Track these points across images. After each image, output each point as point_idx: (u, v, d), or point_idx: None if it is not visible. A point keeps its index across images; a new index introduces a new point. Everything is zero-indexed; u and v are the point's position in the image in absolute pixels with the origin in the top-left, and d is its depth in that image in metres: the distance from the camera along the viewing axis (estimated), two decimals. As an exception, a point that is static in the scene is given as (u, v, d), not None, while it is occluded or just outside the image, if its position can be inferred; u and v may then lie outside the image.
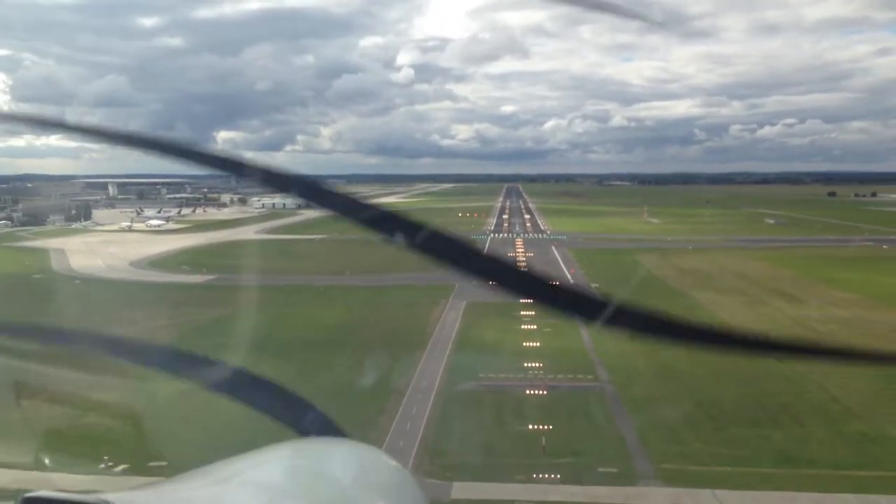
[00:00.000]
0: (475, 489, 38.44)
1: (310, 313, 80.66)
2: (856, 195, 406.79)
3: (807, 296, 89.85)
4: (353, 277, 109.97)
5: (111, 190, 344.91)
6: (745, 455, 42.00)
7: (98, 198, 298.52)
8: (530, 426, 46.62)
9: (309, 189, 3.18)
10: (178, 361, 4.56)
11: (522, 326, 73.32)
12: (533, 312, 79.54)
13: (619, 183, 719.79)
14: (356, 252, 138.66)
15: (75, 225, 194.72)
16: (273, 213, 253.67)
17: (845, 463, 41.17)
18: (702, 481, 38.81)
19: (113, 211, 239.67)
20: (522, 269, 3.12)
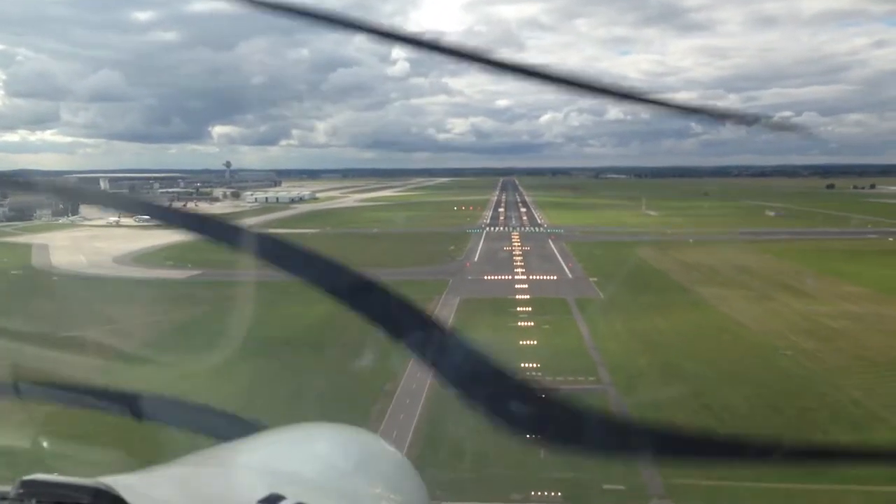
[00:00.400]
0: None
1: (294, 311, 76.49)
2: (854, 187, 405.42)
3: (815, 290, 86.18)
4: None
5: (103, 184, 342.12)
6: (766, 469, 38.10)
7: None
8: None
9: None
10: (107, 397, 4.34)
11: (519, 323, 69.62)
12: (530, 309, 76.23)
13: (615, 176, 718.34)
14: (350, 246, 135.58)
15: (62, 220, 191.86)
16: (266, 208, 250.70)
17: (877, 477, 37.37)
18: (717, 499, 34.92)
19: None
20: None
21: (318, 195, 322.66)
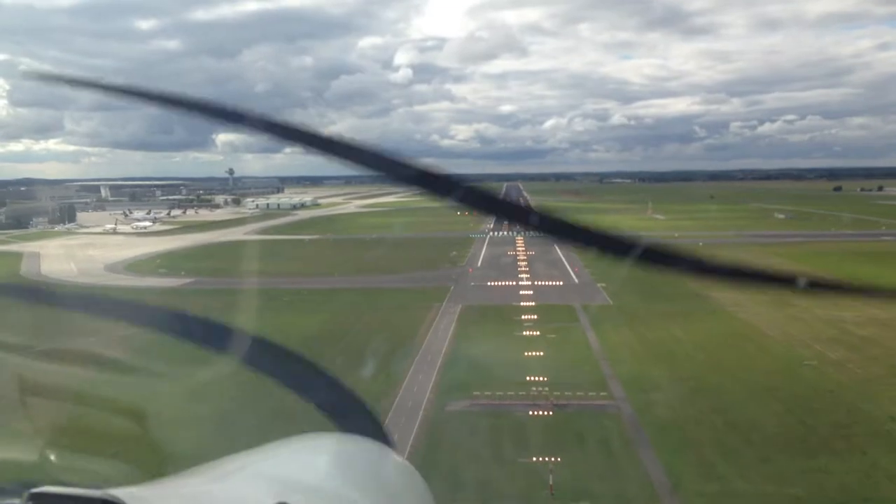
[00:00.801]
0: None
1: (286, 320, 72.54)
2: (862, 189, 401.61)
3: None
4: (342, 279, 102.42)
5: (103, 192, 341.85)
6: (802, 496, 33.94)
7: (87, 200, 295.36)
8: (534, 458, 38.60)
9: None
10: (202, 330, 4.25)
11: (524, 333, 65.54)
12: (535, 317, 72.17)
13: (619, 180, 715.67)
14: (348, 252, 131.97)
15: (58, 227, 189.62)
16: (266, 214, 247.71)
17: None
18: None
19: (102, 213, 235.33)
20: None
21: (320, 201, 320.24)
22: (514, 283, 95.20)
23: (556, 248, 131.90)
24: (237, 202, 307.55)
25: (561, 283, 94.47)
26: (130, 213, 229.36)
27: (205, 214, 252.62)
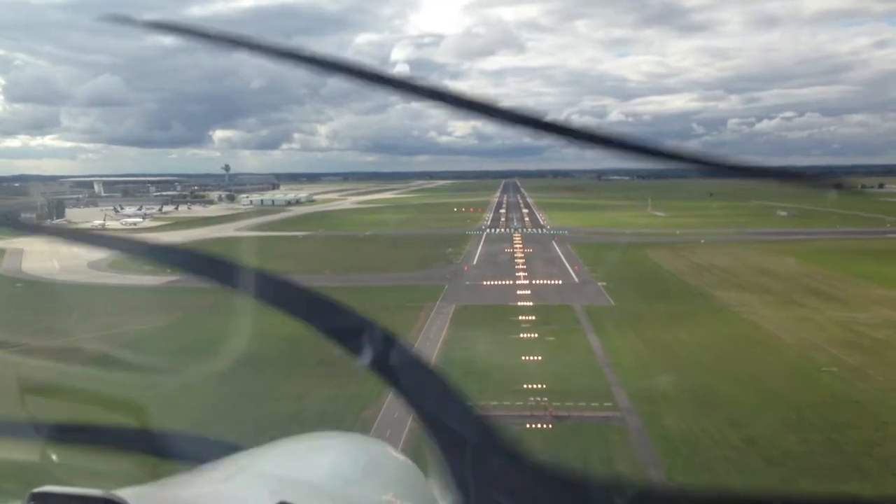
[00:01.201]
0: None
1: (271, 320, 68.62)
2: (862, 186, 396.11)
3: (845, 295, 78.32)
4: (333, 277, 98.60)
5: (97, 188, 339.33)
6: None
7: (79, 196, 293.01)
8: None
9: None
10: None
11: (521, 335, 61.82)
12: (533, 318, 68.46)
13: (618, 177, 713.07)
14: (341, 250, 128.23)
15: (46, 223, 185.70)
16: (260, 210, 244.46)
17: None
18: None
19: (93, 209, 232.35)
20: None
21: (315, 198, 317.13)
22: (511, 281, 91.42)
23: (555, 245, 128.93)
24: (231, 198, 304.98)
25: (560, 281, 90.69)
26: (121, 208, 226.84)
27: (197, 210, 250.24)
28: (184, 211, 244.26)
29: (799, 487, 34.09)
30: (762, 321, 65.86)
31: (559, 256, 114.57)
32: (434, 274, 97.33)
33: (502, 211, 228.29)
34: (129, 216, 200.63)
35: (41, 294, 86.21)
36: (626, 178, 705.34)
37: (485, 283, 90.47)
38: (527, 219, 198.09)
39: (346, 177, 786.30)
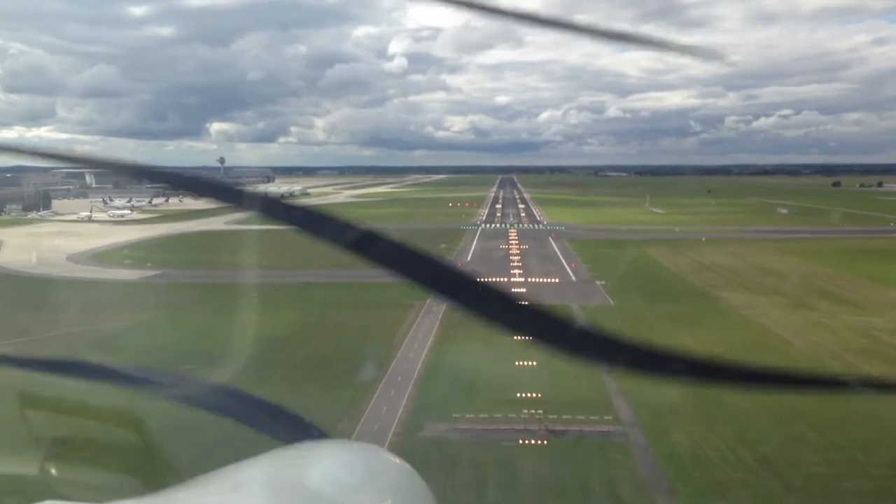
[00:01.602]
0: None
1: (253, 318, 65.04)
2: (861, 185, 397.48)
3: (857, 297, 74.60)
4: (322, 273, 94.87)
5: (88, 179, 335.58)
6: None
7: (69, 187, 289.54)
8: (527, 499, 31.07)
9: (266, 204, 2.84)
10: (158, 379, 4.39)
11: (514, 338, 57.59)
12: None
13: (615, 174, 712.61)
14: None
15: (31, 215, 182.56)
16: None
17: None
18: None
19: (83, 200, 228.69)
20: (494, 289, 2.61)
21: (310, 191, 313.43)
22: (506, 279, 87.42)
23: (552, 241, 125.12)
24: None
25: (556, 279, 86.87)
26: (110, 200, 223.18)
27: (189, 203, 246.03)
28: (174, 203, 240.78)
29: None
30: (771, 324, 62.07)
31: (556, 253, 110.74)
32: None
33: (498, 206, 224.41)
34: (117, 208, 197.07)
35: (12, 289, 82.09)
36: (624, 174, 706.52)
37: (478, 280, 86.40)
38: (523, 214, 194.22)
39: (342, 171, 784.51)
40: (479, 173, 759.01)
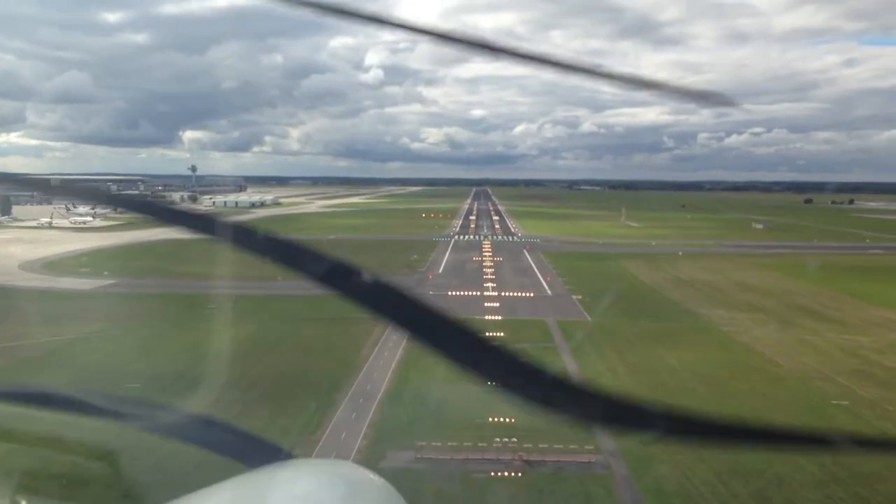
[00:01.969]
0: None
1: (206, 332, 60.82)
2: (833, 202, 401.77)
3: (841, 314, 72.14)
4: (285, 284, 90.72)
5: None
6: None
7: (33, 193, 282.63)
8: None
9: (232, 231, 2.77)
10: (122, 406, 4.27)
11: (478, 384, 54.02)
12: (502, 334, 60.90)
13: (589, 188, 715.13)
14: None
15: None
16: (222, 212, 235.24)
17: None
18: None
19: (46, 207, 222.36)
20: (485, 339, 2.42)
21: (281, 201, 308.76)
22: (479, 293, 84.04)
23: (527, 254, 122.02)
24: (193, 199, 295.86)
25: (532, 294, 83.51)
26: (74, 207, 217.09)
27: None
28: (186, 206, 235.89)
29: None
30: (756, 343, 59.16)
31: (531, 266, 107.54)
32: (396, 282, 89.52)
33: (472, 218, 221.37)
34: (79, 215, 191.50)
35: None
36: (598, 188, 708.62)
37: (450, 293, 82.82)
38: (497, 226, 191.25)
39: (315, 181, 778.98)
40: (455, 185, 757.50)
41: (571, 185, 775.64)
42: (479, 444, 36.70)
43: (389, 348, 57.74)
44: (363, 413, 42.45)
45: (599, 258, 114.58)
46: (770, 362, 53.76)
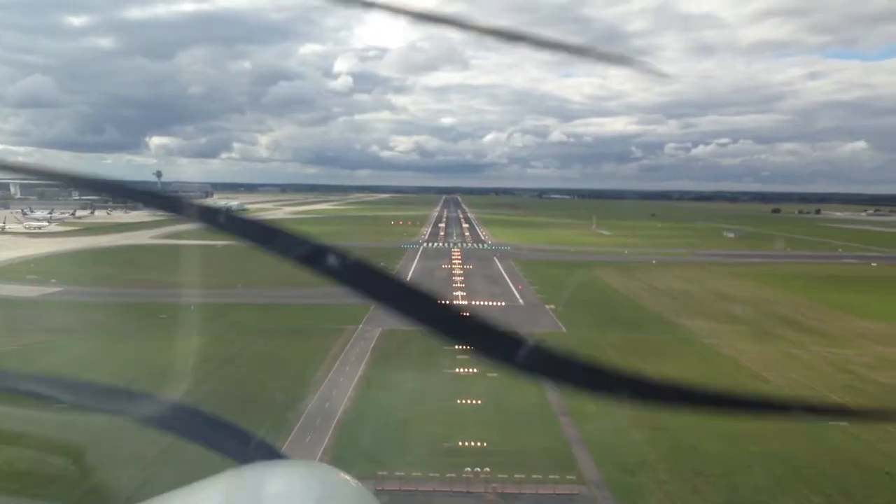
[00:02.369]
0: None
1: (152, 344, 56.28)
2: (800, 212, 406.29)
3: (825, 326, 69.43)
4: (245, 292, 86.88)
5: (13, 190, 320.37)
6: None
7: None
8: None
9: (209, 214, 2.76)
10: (106, 396, 4.15)
11: (456, 370, 50.35)
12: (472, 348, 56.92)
13: (558, 196, 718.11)
14: (260, 262, 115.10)
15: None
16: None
17: None
18: None
19: (2, 211, 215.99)
20: (449, 306, 2.47)
21: (248, 206, 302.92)
22: (447, 301, 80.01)
23: (497, 262, 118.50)
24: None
25: (503, 303, 79.83)
26: (31, 211, 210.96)
27: (117, 216, 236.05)
28: (101, 216, 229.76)
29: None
30: (741, 357, 56.01)
31: (501, 274, 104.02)
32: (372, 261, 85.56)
33: (441, 225, 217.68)
34: (35, 219, 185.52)
35: None
36: (567, 196, 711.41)
37: (417, 302, 78.85)
38: (467, 234, 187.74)
39: (284, 188, 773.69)
40: (424, 193, 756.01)
41: (541, 193, 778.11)
42: (448, 475, 32.68)
43: (351, 362, 53.77)
44: (319, 437, 38.37)
45: (572, 266, 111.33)
46: (758, 378, 50.51)
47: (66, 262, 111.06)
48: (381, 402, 43.09)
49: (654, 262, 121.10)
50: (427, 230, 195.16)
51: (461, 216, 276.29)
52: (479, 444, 36.18)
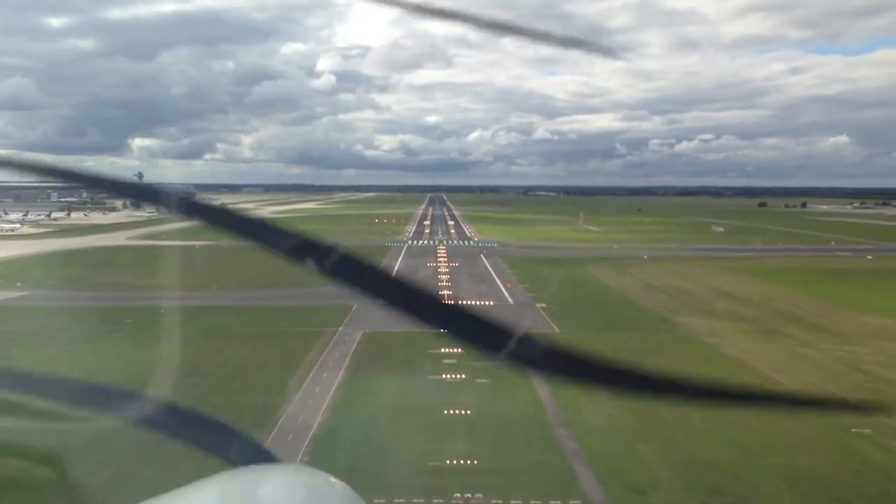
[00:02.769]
0: None
1: (115, 350, 52.33)
2: (786, 206, 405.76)
3: (829, 322, 66.23)
4: (220, 294, 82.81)
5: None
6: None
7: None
8: None
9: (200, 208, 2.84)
10: (95, 396, 4.17)
11: (443, 376, 46.70)
12: (460, 351, 53.21)
13: (544, 193, 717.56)
14: (240, 262, 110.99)
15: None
16: (164, 218, 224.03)
17: None
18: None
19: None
20: (430, 293, 2.61)
21: (230, 207, 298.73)
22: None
23: (484, 259, 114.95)
24: (136, 205, 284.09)
25: (492, 302, 76.16)
26: (5, 214, 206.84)
27: (95, 217, 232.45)
28: (78, 218, 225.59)
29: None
30: (746, 357, 52.60)
31: (489, 272, 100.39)
32: (341, 293, 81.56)
33: (427, 223, 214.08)
34: (8, 222, 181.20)
35: None
36: (552, 194, 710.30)
37: (401, 302, 75.08)
38: (453, 231, 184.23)
39: (268, 188, 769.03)
40: (409, 192, 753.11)
41: (526, 190, 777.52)
42: (433, 501, 28.90)
43: (330, 369, 49.90)
44: (292, 453, 34.50)
45: (561, 263, 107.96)
46: (767, 380, 47.03)
47: (35, 265, 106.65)
48: (361, 414, 39.30)
49: (644, 257, 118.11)
50: (412, 228, 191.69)
51: (446, 214, 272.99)
52: (469, 461, 32.43)
